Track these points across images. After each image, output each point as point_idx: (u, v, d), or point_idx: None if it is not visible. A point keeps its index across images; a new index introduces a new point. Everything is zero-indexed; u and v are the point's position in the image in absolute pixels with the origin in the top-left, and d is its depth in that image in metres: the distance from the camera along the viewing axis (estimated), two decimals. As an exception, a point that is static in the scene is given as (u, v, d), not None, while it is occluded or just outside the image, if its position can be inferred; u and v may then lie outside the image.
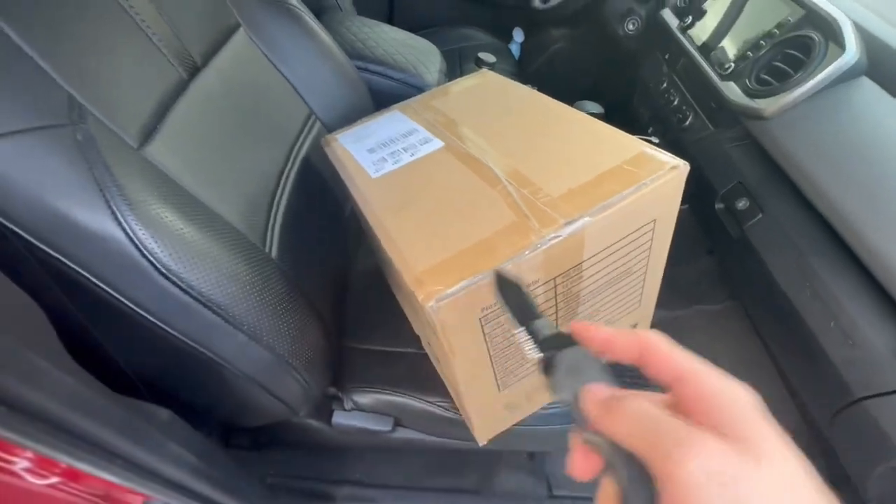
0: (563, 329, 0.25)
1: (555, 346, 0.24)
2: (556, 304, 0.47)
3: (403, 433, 0.74)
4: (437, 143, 0.55)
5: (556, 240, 0.39)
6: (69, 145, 0.34)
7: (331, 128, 0.78)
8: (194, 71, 0.53)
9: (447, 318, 0.38)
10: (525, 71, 1.54)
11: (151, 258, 0.36)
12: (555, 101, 0.58)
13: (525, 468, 0.90)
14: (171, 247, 0.38)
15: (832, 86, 0.65)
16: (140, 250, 0.36)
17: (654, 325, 0.67)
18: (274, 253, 0.54)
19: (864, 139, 0.61)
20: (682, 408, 0.19)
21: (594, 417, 0.20)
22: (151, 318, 0.39)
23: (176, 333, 0.40)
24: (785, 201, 0.70)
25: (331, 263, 0.71)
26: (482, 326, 0.42)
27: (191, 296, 0.39)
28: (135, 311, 0.38)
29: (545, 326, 0.25)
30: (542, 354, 0.24)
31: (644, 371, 0.22)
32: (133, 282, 0.37)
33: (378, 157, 0.56)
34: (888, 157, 0.58)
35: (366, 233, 0.60)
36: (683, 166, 0.43)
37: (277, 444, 0.80)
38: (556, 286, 0.44)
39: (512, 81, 0.66)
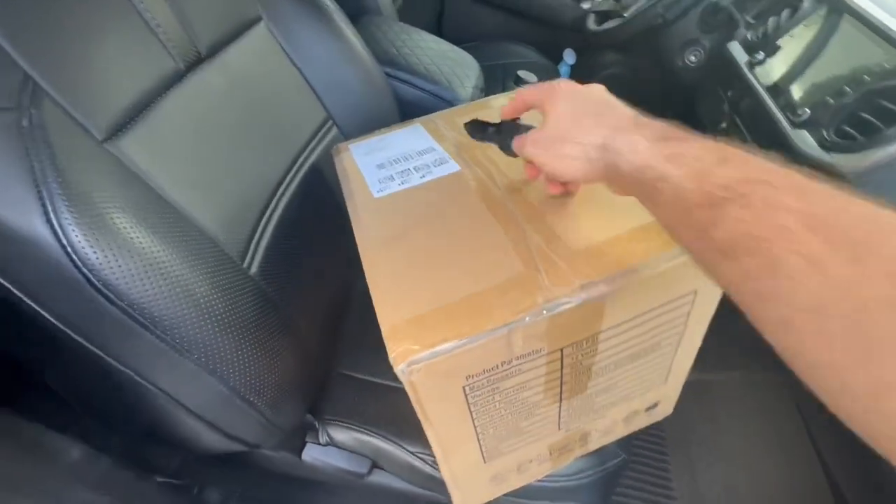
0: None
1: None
2: (561, 378, 0.39)
3: (381, 477, 0.67)
4: (453, 167, 0.49)
5: (567, 305, 0.32)
6: (11, 131, 0.30)
7: (348, 135, 0.73)
8: (195, 62, 0.49)
9: (420, 384, 0.32)
10: (572, 94, 1.46)
11: (85, 269, 0.31)
12: None
13: (513, 532, 0.81)
14: (115, 257, 0.33)
15: (934, 148, 0.54)
16: (72, 259, 0.31)
17: (686, 388, 0.57)
18: (254, 268, 0.49)
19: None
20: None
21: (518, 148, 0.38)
22: (78, 339, 0.34)
23: (108, 358, 0.35)
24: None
25: (327, 283, 0.65)
26: (466, 396, 0.35)
27: (131, 317, 0.34)
28: (58, 327, 0.33)
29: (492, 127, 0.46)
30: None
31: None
32: (60, 295, 0.32)
33: (386, 174, 0.50)
34: None
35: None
36: None
37: (245, 464, 0.75)
38: (562, 357, 0.37)
39: None
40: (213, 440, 0.44)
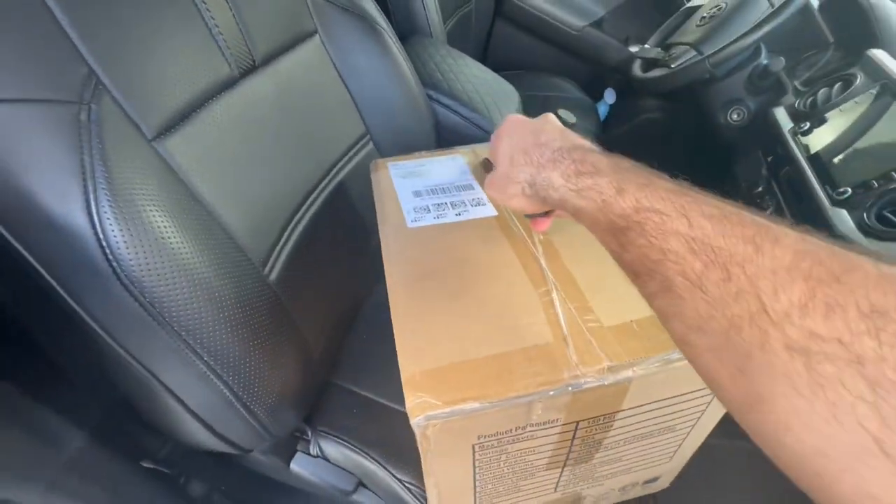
0: None
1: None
2: (570, 448, 0.38)
3: (365, 497, 0.66)
4: (490, 211, 0.48)
5: (592, 384, 0.31)
6: (68, 123, 0.31)
7: (384, 152, 0.74)
8: (249, 69, 0.50)
9: (435, 439, 0.31)
10: (608, 134, 1.46)
11: (115, 263, 0.32)
12: None
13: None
14: (146, 255, 0.34)
15: (980, 250, 0.52)
16: (104, 251, 0.32)
17: None
18: (273, 276, 0.49)
19: None
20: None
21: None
22: (96, 327, 0.34)
23: (121, 350, 0.35)
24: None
25: (340, 295, 0.66)
26: (474, 453, 0.34)
27: (150, 313, 0.34)
28: (79, 314, 0.34)
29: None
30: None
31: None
32: (87, 284, 0.33)
33: (422, 204, 0.50)
34: None
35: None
36: None
37: (233, 461, 0.75)
38: (576, 430, 0.36)
39: None
40: (206, 440, 0.44)
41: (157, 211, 0.35)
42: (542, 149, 0.31)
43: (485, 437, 0.33)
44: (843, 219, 0.65)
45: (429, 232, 0.45)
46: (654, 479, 0.52)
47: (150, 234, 0.34)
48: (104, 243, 0.31)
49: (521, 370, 0.31)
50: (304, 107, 0.58)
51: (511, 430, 0.33)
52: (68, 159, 0.31)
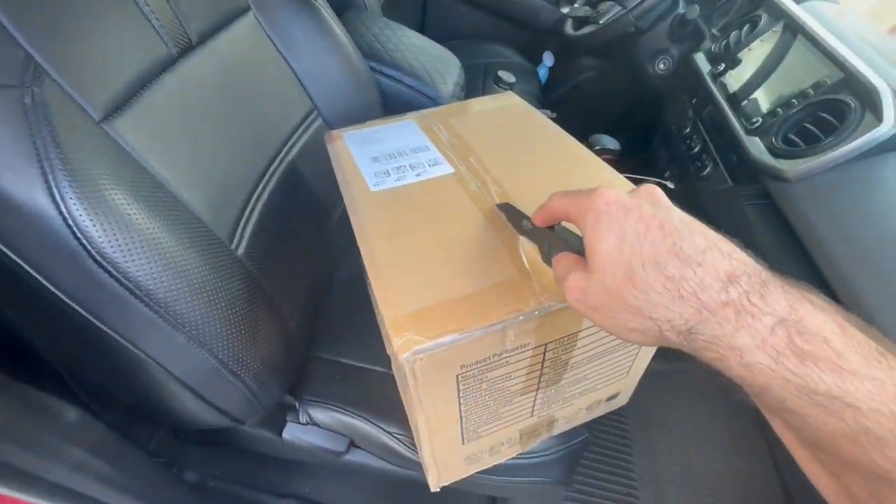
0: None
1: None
2: (541, 370, 0.42)
3: (358, 455, 0.69)
4: (447, 169, 0.50)
5: (556, 308, 0.35)
6: (13, 107, 0.31)
7: (333, 126, 0.75)
8: (187, 49, 0.50)
9: (421, 372, 0.34)
10: (549, 96, 1.51)
11: (85, 241, 0.33)
12: (580, 144, 0.54)
13: (485, 509, 0.85)
14: (113, 231, 0.35)
15: (863, 157, 0.61)
16: (73, 231, 0.32)
17: (649, 376, 0.62)
18: (241, 250, 0.51)
19: (890, 221, 0.56)
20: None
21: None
22: (77, 308, 0.35)
23: (104, 326, 0.37)
24: (797, 271, 0.65)
25: (309, 268, 0.67)
26: (458, 383, 0.38)
27: (126, 287, 0.36)
28: (58, 297, 0.35)
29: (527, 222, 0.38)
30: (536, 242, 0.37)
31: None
32: (61, 266, 0.33)
33: (382, 168, 0.51)
34: (914, 243, 0.54)
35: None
36: None
37: (224, 444, 0.76)
38: (545, 352, 0.40)
39: (535, 111, 0.62)
40: (198, 410, 0.46)
41: (116, 190, 0.36)
42: (692, 269, 0.21)
43: (466, 366, 0.36)
44: (755, 145, 0.73)
45: (392, 194, 0.47)
46: (615, 396, 0.58)
47: (114, 211, 0.35)
48: (70, 222, 0.32)
49: (493, 303, 0.35)
50: (249, 85, 0.59)
51: (489, 357, 0.37)
52: (21, 144, 0.31)
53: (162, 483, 0.49)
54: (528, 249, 0.40)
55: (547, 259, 0.33)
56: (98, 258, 0.34)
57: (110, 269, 0.34)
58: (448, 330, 0.33)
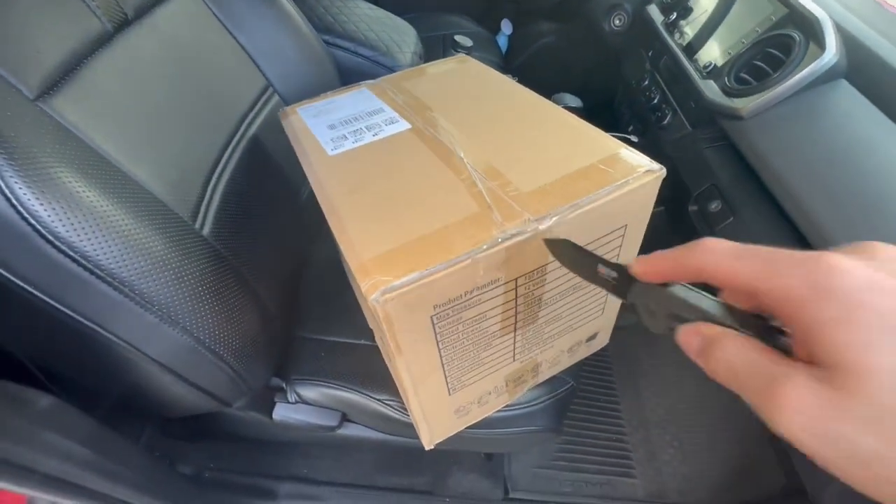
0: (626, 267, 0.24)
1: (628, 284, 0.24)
2: (515, 308, 0.43)
3: (352, 429, 0.70)
4: (404, 125, 0.51)
5: (520, 237, 0.36)
6: (-63, 86, 0.30)
7: (290, 102, 0.73)
8: (123, 24, 0.48)
9: (394, 313, 0.34)
10: (511, 64, 1.51)
11: (34, 221, 0.32)
12: (533, 93, 0.55)
13: (481, 469, 0.88)
14: (63, 210, 0.33)
15: (810, 87, 0.63)
16: (19, 212, 0.31)
17: (625, 329, 0.64)
18: (207, 230, 0.50)
19: (839, 145, 0.59)
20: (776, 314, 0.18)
21: (695, 358, 0.20)
22: (39, 294, 0.34)
23: (69, 311, 0.35)
24: (757, 205, 0.67)
25: (281, 247, 0.66)
26: (434, 325, 0.38)
27: (86, 268, 0.34)
28: (18, 285, 0.33)
29: (610, 270, 0.25)
30: (626, 300, 0.24)
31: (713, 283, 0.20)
32: (13, 250, 0.32)
33: (338, 133, 0.52)
34: (862, 164, 0.56)
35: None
36: (660, 171, 0.40)
37: (215, 434, 0.76)
38: (517, 287, 0.41)
39: (490, 69, 0.62)
40: (183, 393, 0.45)
41: (61, 167, 0.34)
42: None
43: (440, 306, 0.36)
44: (710, 87, 0.75)
45: (351, 154, 0.47)
46: (594, 336, 0.60)
47: (61, 189, 0.34)
48: (15, 202, 0.31)
49: (457, 237, 0.35)
50: (196, 61, 0.56)
51: (461, 295, 0.37)
52: (-51, 121, 0.29)
53: (157, 473, 0.48)
54: (488, 184, 0.40)
55: (661, 327, 0.23)
56: (51, 238, 0.32)
57: (65, 248, 0.33)
58: (414, 267, 0.33)
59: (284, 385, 0.65)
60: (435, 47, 1.28)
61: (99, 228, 0.35)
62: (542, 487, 0.89)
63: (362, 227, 0.38)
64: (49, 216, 0.32)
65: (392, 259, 0.34)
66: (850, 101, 0.61)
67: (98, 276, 0.35)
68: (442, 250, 0.34)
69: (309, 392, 0.65)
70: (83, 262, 0.34)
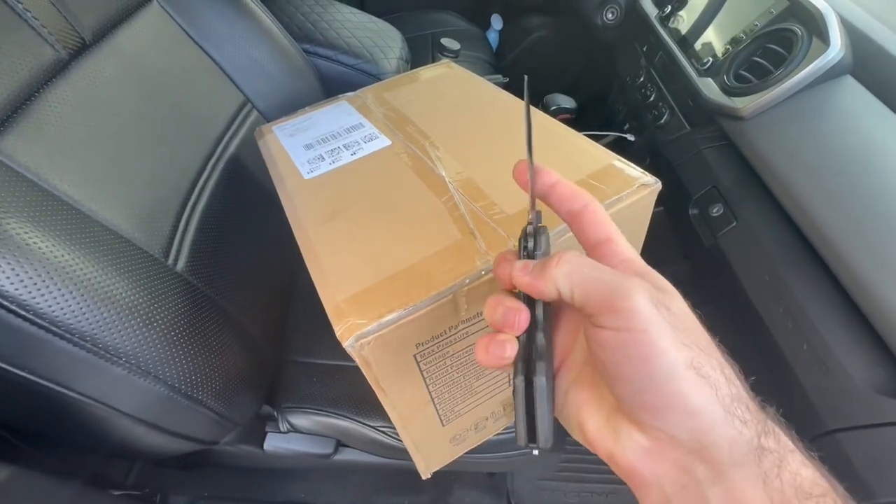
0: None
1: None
2: None
3: (348, 454, 0.68)
4: (384, 142, 0.48)
5: None
6: None
7: (270, 117, 0.70)
8: (80, 49, 0.44)
9: (372, 357, 0.32)
10: (502, 61, 1.47)
11: (-23, 283, 0.29)
12: (520, 100, 0.52)
13: (484, 485, 0.86)
14: (12, 266, 0.31)
15: (814, 85, 0.60)
16: (-40, 274, 0.28)
17: None
18: (181, 265, 0.47)
19: (845, 145, 0.56)
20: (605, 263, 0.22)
21: (528, 283, 0.22)
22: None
23: (24, 374, 0.33)
24: (760, 209, 0.64)
25: (266, 272, 0.64)
26: (418, 363, 0.35)
27: (41, 326, 0.32)
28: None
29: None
30: None
31: (575, 227, 0.24)
32: (-47, 313, 0.29)
33: (315, 154, 0.49)
34: (870, 166, 0.53)
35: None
36: (654, 184, 0.37)
37: (209, 463, 0.74)
38: None
39: (476, 76, 0.59)
40: (161, 442, 0.43)
41: (9, 217, 0.32)
42: (728, 385, 0.18)
43: (422, 344, 0.34)
44: (708, 85, 0.71)
45: (327, 178, 0.45)
46: None
47: (9, 243, 0.31)
48: (-45, 263, 0.28)
49: (437, 270, 0.33)
50: (165, 83, 0.53)
51: (445, 331, 0.34)
52: None
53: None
54: (471, 208, 0.37)
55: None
56: (0, 300, 0.30)
57: (16, 308, 0.30)
58: (392, 307, 0.30)
59: (275, 413, 0.63)
60: (423, 47, 1.24)
61: (54, 281, 0.32)
62: (546, 500, 0.87)
63: (337, 262, 0.35)
64: (-4, 274, 0.30)
65: (368, 298, 0.32)
66: (856, 99, 0.58)
67: (55, 334, 0.33)
68: (421, 286, 0.32)
69: (301, 420, 0.63)
70: (38, 320, 0.32)
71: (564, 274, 0.20)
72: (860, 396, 0.47)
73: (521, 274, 0.22)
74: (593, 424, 0.21)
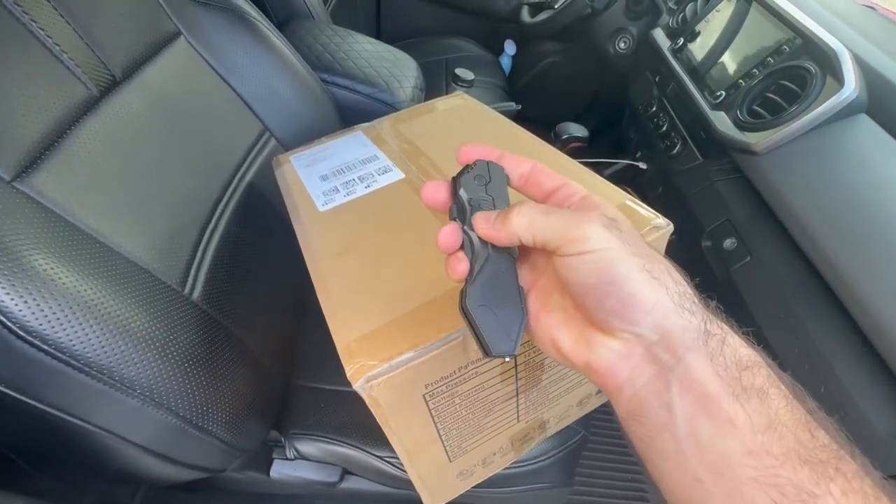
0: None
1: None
2: (516, 375, 0.40)
3: (353, 482, 0.67)
4: (397, 175, 0.49)
5: None
6: None
7: (288, 146, 0.72)
8: (110, 86, 0.46)
9: (381, 398, 0.32)
10: (515, 86, 1.49)
11: (4, 318, 0.30)
12: (531, 135, 0.52)
13: (491, 516, 0.84)
14: (36, 301, 0.31)
15: (828, 123, 0.60)
16: (-13, 309, 0.29)
17: None
18: (197, 294, 0.48)
19: (860, 183, 0.56)
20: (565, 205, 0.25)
21: (491, 233, 0.25)
22: (7, 391, 0.32)
23: (43, 406, 0.34)
24: (774, 245, 0.64)
25: (279, 298, 0.64)
26: (427, 402, 0.35)
27: (61, 360, 0.33)
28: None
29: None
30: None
31: (530, 186, 0.27)
32: (-22, 347, 0.30)
33: (330, 186, 0.50)
34: (885, 205, 0.53)
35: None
36: (667, 227, 0.37)
37: (216, 488, 0.73)
38: (515, 356, 0.38)
39: (487, 108, 0.60)
40: (169, 472, 0.43)
41: (37, 253, 0.33)
42: (676, 285, 0.22)
43: (432, 384, 0.34)
44: (721, 119, 0.72)
45: (342, 211, 0.46)
46: (596, 395, 0.56)
47: (36, 278, 0.32)
48: (-17, 299, 0.29)
49: (448, 311, 0.33)
50: (188, 115, 0.55)
51: (454, 371, 0.34)
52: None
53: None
54: None
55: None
56: (22, 334, 0.31)
57: (38, 343, 0.31)
58: (401, 349, 0.30)
59: (282, 439, 0.63)
60: (437, 74, 1.26)
61: (76, 316, 0.33)
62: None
63: (350, 299, 0.36)
64: (21, 311, 0.31)
65: (378, 339, 0.32)
66: (871, 138, 0.58)
67: (75, 367, 0.33)
68: (432, 327, 0.32)
69: (307, 447, 0.63)
70: (58, 354, 0.32)
71: (524, 226, 0.23)
72: (881, 444, 0.46)
73: (485, 225, 0.25)
74: (567, 341, 0.24)
